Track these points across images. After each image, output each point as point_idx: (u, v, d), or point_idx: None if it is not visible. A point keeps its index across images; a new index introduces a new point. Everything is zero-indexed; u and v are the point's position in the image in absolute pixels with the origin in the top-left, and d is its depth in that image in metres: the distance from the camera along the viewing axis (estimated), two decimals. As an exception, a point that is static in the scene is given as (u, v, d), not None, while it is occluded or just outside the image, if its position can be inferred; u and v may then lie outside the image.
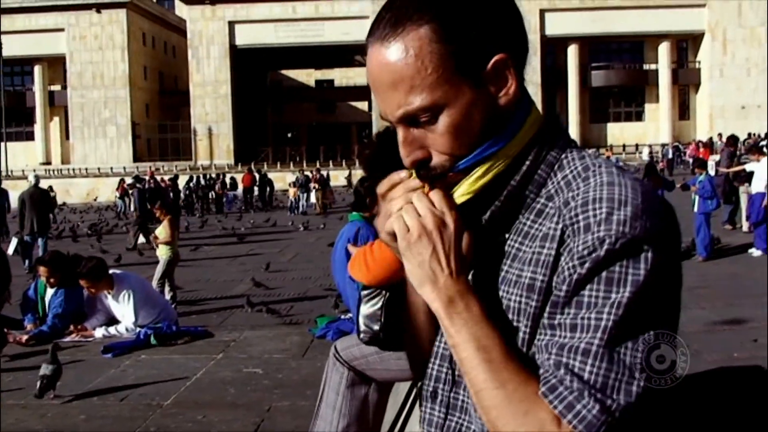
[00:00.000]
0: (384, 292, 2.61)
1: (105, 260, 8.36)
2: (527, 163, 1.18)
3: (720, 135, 48.09)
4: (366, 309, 2.71)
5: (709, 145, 39.85)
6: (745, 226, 15.83)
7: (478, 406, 1.10)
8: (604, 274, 1.04)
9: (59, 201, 38.54)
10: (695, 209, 13.09)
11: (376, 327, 2.69)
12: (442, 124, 1.14)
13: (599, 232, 1.05)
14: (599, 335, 1.02)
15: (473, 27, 1.13)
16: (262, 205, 35.95)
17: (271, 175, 39.30)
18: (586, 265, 1.05)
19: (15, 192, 20.30)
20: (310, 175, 33.29)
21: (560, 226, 1.11)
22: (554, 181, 1.17)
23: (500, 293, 1.17)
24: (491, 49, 1.14)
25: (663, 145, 50.11)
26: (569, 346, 1.04)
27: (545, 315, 1.10)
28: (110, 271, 8.26)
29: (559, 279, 1.09)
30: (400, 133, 1.18)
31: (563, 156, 1.19)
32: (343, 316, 7.98)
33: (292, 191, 32.90)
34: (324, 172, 34.40)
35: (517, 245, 1.17)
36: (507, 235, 1.19)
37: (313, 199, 32.13)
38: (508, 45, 1.15)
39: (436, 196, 1.15)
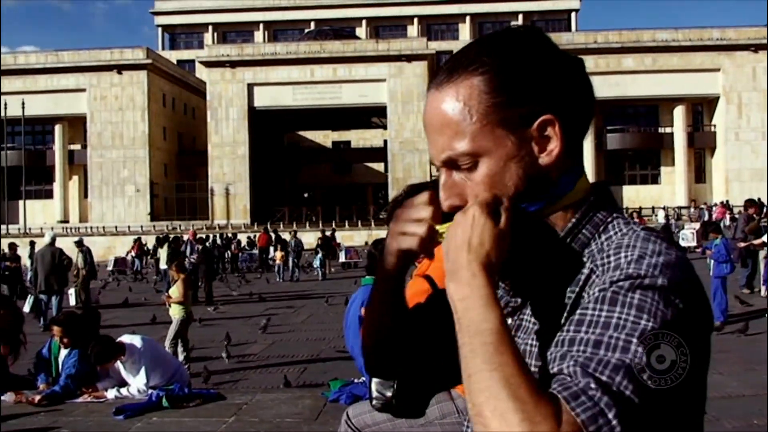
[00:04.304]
0: (397, 358, 2.59)
1: (112, 338, 8.28)
2: (573, 221, 1.20)
3: (694, 201, 48.45)
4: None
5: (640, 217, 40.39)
6: (764, 290, 15.72)
7: (467, 392, 1.00)
8: (636, 300, 1.02)
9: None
10: (711, 273, 13.04)
11: (389, 393, 2.65)
12: (480, 172, 1.16)
13: (629, 269, 1.06)
14: (629, 357, 0.98)
15: (525, 84, 1.15)
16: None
17: (286, 235, 39.35)
18: (618, 290, 1.04)
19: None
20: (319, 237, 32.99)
21: (589, 268, 1.12)
22: (597, 242, 1.18)
23: (529, 341, 1.17)
24: (540, 108, 1.15)
25: (679, 208, 50.07)
26: (598, 359, 0.99)
27: (564, 330, 1.06)
28: (119, 339, 8.21)
29: (584, 301, 1.08)
30: (442, 176, 1.21)
31: (609, 220, 1.20)
32: (356, 380, 7.91)
33: (278, 255, 31.14)
34: (328, 234, 34.14)
35: (555, 299, 1.17)
36: (546, 289, 1.19)
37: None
38: (560, 108, 1.17)
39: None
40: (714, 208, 44.26)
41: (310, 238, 40.21)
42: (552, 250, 1.19)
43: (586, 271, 1.13)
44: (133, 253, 37.66)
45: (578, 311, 1.07)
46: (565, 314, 1.12)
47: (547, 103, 1.16)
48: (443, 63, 1.22)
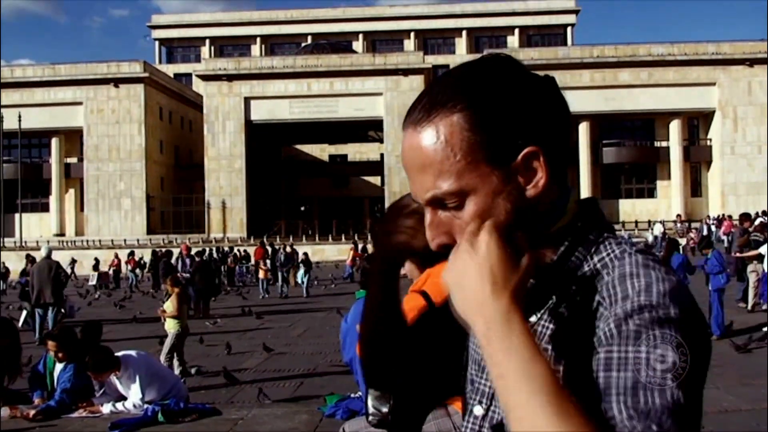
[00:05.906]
0: (393, 373, 2.58)
1: (111, 349, 8.26)
2: (565, 245, 1.19)
3: (679, 216, 48.57)
4: (375, 391, 2.67)
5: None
6: (750, 305, 15.93)
7: None
8: (658, 333, 1.02)
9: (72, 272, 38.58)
10: (709, 287, 13.10)
11: (385, 409, 2.64)
12: (467, 210, 1.14)
13: (641, 299, 1.05)
14: (668, 399, 0.98)
15: (506, 118, 1.13)
16: (273, 278, 35.82)
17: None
18: (640, 323, 1.03)
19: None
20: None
21: (595, 300, 1.11)
22: (590, 264, 1.17)
23: None
24: (522, 141, 1.14)
25: (674, 222, 50.15)
26: (642, 407, 0.98)
27: (597, 373, 1.04)
28: (116, 354, 8.18)
29: (603, 337, 1.06)
30: (428, 215, 1.19)
31: (600, 240, 1.20)
32: (353, 395, 7.89)
33: (262, 271, 29.87)
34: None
35: (547, 324, 1.16)
36: (538, 315, 1.18)
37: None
38: (542, 138, 1.15)
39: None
40: (713, 222, 44.37)
41: (306, 251, 40.06)
42: (545, 274, 1.18)
43: (593, 304, 1.11)
44: (129, 267, 37.67)
45: (602, 351, 1.05)
46: (565, 338, 1.11)
47: (528, 135, 1.14)
48: (419, 98, 1.19)
